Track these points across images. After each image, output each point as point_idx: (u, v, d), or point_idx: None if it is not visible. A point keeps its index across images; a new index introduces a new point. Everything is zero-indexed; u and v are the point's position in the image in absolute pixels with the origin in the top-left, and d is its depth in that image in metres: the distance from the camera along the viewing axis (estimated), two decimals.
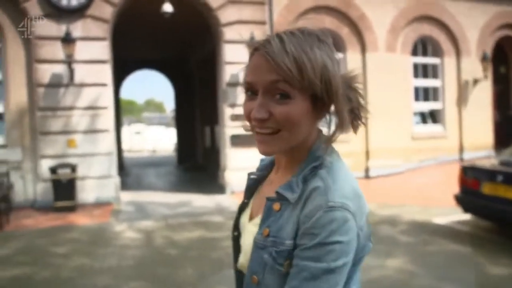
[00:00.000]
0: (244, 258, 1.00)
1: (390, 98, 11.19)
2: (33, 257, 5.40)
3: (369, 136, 11.01)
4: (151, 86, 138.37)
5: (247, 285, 0.96)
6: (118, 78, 18.28)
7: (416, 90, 12.10)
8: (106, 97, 8.81)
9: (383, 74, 11.14)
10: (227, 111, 9.60)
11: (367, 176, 11.04)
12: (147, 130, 40.28)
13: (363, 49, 11.05)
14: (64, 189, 7.98)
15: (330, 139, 0.94)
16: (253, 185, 1.10)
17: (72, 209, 8.00)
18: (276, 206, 0.93)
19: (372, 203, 7.60)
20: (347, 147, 10.84)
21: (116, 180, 8.87)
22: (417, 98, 12.12)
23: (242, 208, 1.11)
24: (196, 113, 17.77)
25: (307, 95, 0.89)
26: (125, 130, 40.35)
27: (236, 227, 1.11)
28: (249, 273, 0.94)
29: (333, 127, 0.95)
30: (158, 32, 12.54)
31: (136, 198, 9.49)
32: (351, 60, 10.88)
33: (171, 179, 13.80)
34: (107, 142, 8.78)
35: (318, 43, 0.90)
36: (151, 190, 10.93)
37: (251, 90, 0.92)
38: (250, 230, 1.01)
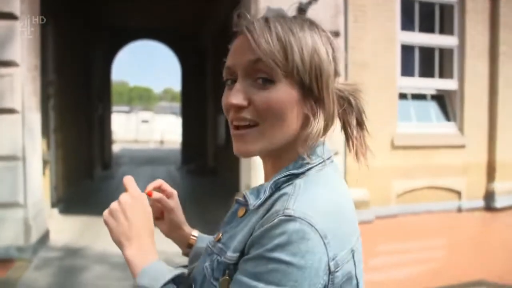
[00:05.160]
0: None
1: None
2: None
3: (496, 139, 6.44)
4: (170, 76, 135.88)
5: None
6: (110, 48, 14.06)
7: None
8: (11, 45, 4.37)
9: None
10: None
11: (489, 207, 6.48)
12: (156, 119, 36.32)
13: None
14: None
15: (309, 137, 0.73)
16: None
17: None
18: (241, 211, 0.79)
19: None
20: (457, 156, 6.29)
21: (29, 212, 4.43)
22: None
23: None
24: (208, 100, 13.29)
25: (294, 82, 0.72)
26: (132, 118, 36.51)
27: None
28: (193, 281, 0.80)
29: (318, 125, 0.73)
30: None
31: (81, 240, 5.10)
32: None
33: None
34: (10, 136, 4.36)
35: (311, 26, 0.75)
36: None
37: (231, 78, 0.77)
38: None
